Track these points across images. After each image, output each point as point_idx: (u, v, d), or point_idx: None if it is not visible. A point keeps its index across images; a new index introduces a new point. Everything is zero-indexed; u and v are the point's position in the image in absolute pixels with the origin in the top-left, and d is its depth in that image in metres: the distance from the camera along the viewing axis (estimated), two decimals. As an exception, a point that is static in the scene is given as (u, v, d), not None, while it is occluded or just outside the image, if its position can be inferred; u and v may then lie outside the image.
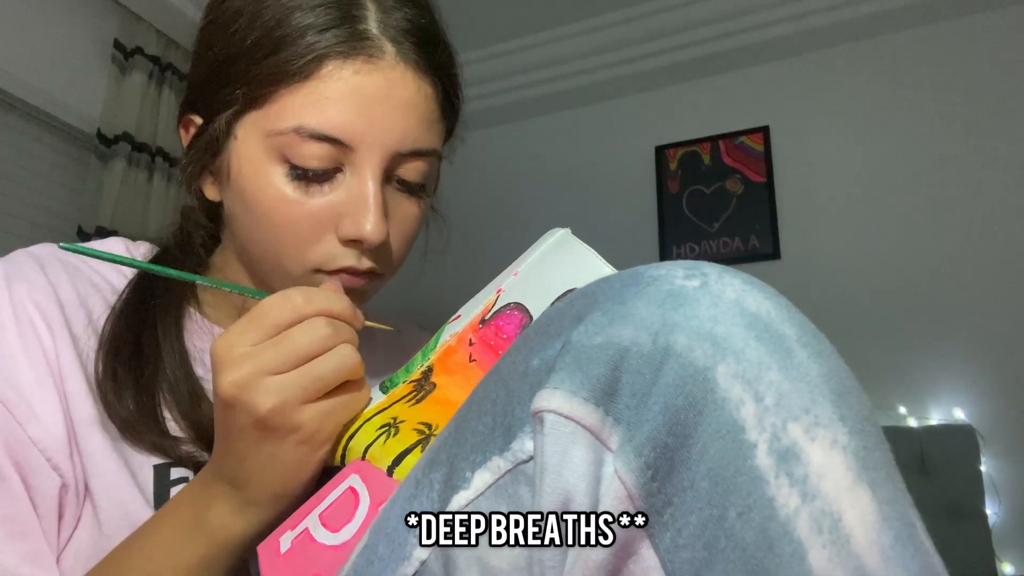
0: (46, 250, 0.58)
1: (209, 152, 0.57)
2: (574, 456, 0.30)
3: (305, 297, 0.46)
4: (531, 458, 0.32)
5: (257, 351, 0.44)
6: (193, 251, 0.64)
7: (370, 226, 0.53)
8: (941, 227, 2.22)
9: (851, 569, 0.25)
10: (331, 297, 0.47)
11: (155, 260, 0.62)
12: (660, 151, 2.66)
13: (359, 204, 0.53)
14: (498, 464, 0.33)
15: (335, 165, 0.53)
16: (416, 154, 0.56)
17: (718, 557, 0.27)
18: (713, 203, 2.54)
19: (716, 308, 0.30)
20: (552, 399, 0.31)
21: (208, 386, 0.58)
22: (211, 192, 0.60)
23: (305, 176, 0.53)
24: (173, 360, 0.57)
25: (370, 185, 0.53)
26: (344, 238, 0.54)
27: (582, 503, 0.30)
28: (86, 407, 0.53)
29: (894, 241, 2.26)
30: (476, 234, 2.82)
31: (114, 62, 2.31)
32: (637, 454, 0.29)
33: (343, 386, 0.47)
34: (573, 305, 0.34)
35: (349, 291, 0.55)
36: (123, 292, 0.58)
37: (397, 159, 0.55)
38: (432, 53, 0.56)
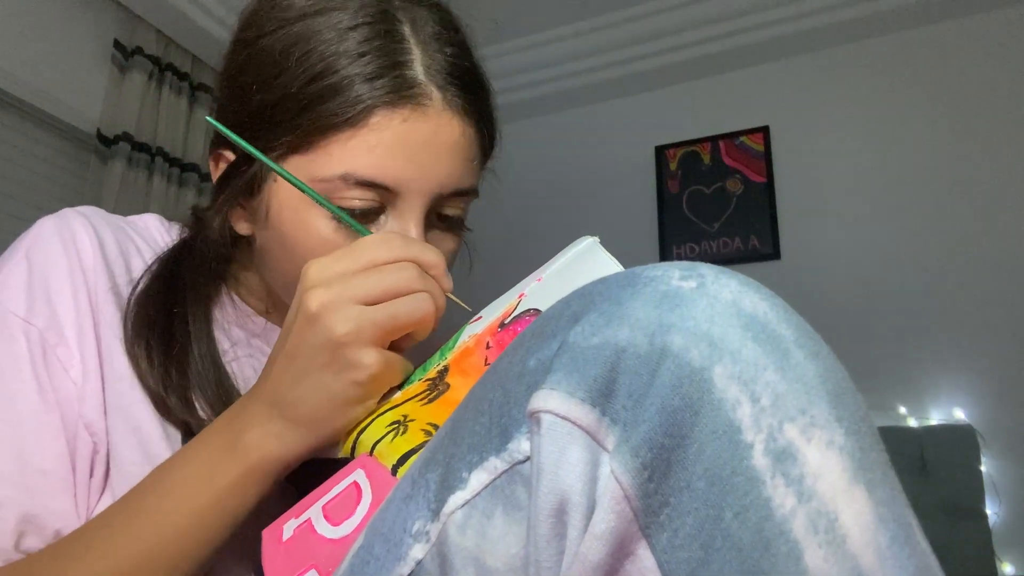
0: (92, 210, 0.59)
1: (246, 190, 0.57)
2: (571, 457, 0.30)
3: (404, 241, 0.48)
4: (528, 459, 0.32)
5: (348, 278, 0.46)
6: (211, 270, 0.64)
7: None
8: (941, 227, 2.22)
9: (847, 569, 0.25)
10: (428, 249, 0.49)
11: (172, 258, 0.62)
12: (660, 151, 2.66)
13: None
14: (495, 465, 0.33)
15: (377, 206, 0.54)
16: (457, 194, 0.57)
17: (714, 557, 0.27)
18: (713, 203, 2.54)
19: (712, 309, 0.30)
20: (549, 400, 0.31)
21: (236, 368, 0.59)
22: (242, 228, 0.60)
23: (350, 216, 0.53)
24: (203, 354, 0.58)
25: (413, 229, 0.54)
26: None
27: (579, 504, 0.30)
28: (123, 363, 0.54)
29: (894, 241, 2.26)
30: (475, 234, 2.82)
31: (114, 62, 2.31)
32: (634, 455, 0.29)
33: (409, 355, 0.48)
34: (570, 306, 0.34)
35: None
36: (152, 264, 0.59)
37: (439, 200, 0.56)
38: (475, 96, 0.57)
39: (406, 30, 0.54)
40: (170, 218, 0.68)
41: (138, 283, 0.58)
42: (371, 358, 0.46)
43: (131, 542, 0.46)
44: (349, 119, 0.52)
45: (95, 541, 0.47)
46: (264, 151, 0.54)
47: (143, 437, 0.53)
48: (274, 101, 0.53)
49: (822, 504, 0.26)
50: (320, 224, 0.54)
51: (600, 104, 2.82)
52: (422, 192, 0.54)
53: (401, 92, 0.52)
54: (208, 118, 0.55)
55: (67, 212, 0.57)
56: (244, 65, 0.56)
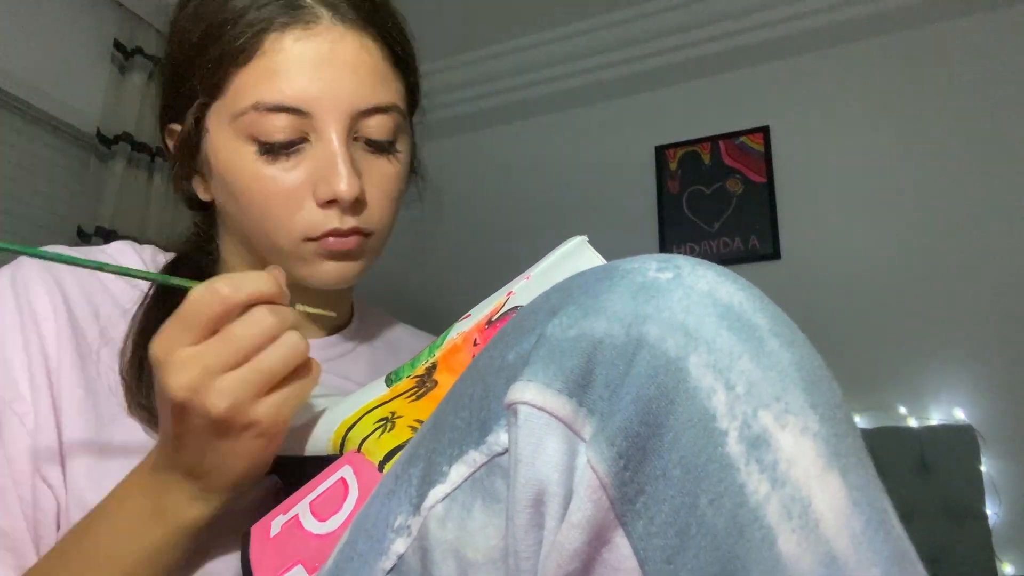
0: (55, 253, 0.59)
1: (190, 152, 0.59)
2: (548, 447, 0.30)
3: (231, 286, 0.43)
4: (506, 451, 0.32)
5: (202, 351, 0.42)
6: (207, 251, 0.66)
7: (342, 184, 0.54)
8: (941, 227, 2.22)
9: (821, 553, 0.25)
10: (256, 279, 0.45)
11: (173, 264, 0.63)
12: (660, 151, 2.66)
13: (328, 165, 0.55)
14: (474, 457, 0.33)
15: (300, 136, 0.55)
16: (375, 110, 0.57)
17: (690, 544, 0.27)
18: (713, 203, 2.54)
19: (688, 299, 0.30)
20: (526, 391, 0.31)
21: None
22: (203, 193, 0.61)
23: (273, 150, 0.55)
24: None
25: (335, 145, 0.55)
26: (321, 200, 0.56)
27: (556, 493, 0.30)
28: (77, 418, 0.53)
29: (894, 241, 2.26)
30: (476, 234, 2.82)
31: (114, 62, 2.32)
32: (610, 444, 0.29)
33: (292, 372, 0.46)
34: (549, 299, 0.34)
35: (341, 253, 0.57)
36: (147, 296, 0.59)
37: (357, 118, 0.56)
38: (369, 10, 0.58)
39: None
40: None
41: (139, 307, 0.58)
42: (260, 409, 0.44)
43: None
44: (244, 50, 0.54)
45: None
46: (187, 102, 0.57)
47: (123, 468, 0.51)
48: (186, 54, 0.56)
49: (796, 490, 0.26)
50: (250, 159, 0.55)
51: (600, 104, 2.82)
52: (333, 109, 0.55)
53: (288, 11, 0.54)
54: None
55: (23, 262, 0.56)
56: (170, 42, 0.60)
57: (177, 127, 0.60)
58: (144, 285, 0.60)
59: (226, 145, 0.56)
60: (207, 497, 0.47)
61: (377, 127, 0.58)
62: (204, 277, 0.61)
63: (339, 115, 0.55)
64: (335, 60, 0.55)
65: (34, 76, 2.11)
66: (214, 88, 0.56)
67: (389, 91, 0.58)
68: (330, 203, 0.56)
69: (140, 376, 0.54)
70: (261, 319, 0.43)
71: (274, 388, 0.45)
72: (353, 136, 0.57)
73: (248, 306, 0.44)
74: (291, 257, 0.58)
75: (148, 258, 0.64)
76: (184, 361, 0.42)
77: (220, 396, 0.42)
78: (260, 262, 0.62)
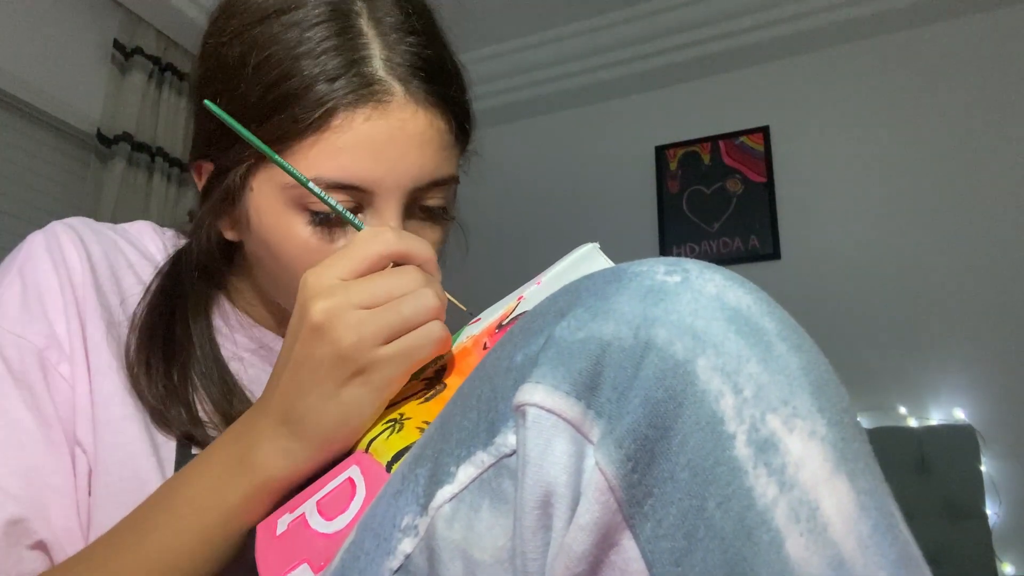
0: (82, 222, 0.59)
1: (227, 202, 0.56)
2: (556, 449, 0.30)
3: (396, 234, 0.47)
4: (514, 452, 0.32)
5: (350, 285, 0.45)
6: (209, 275, 0.64)
7: None
8: (941, 227, 2.22)
9: (828, 557, 0.26)
10: (420, 243, 0.48)
11: (170, 270, 0.62)
12: (660, 151, 2.66)
13: None
14: (482, 458, 0.33)
15: (354, 207, 0.53)
16: (434, 184, 0.55)
17: (697, 547, 0.27)
18: (713, 203, 2.54)
19: (697, 303, 0.30)
20: (534, 393, 0.31)
21: (240, 368, 0.59)
22: (231, 235, 0.59)
23: (327, 221, 0.53)
24: (205, 353, 0.58)
25: (391, 222, 0.53)
26: None
27: (564, 495, 0.30)
28: (112, 381, 0.54)
29: (894, 241, 2.26)
30: (476, 234, 2.82)
31: (114, 62, 2.32)
32: (618, 446, 0.29)
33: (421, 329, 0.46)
34: (557, 302, 0.35)
35: None
36: (152, 281, 0.59)
37: (416, 193, 0.55)
38: (441, 85, 0.55)
39: (363, 24, 0.53)
40: (170, 218, 0.68)
41: (141, 300, 0.57)
42: (381, 354, 0.44)
43: (140, 560, 0.46)
44: (311, 124, 0.51)
45: (105, 560, 0.47)
46: (234, 162, 0.53)
47: (130, 453, 0.53)
48: (237, 112, 0.52)
49: (804, 493, 0.26)
50: (299, 229, 0.53)
51: (600, 104, 2.82)
52: (395, 188, 0.53)
53: (361, 90, 0.51)
54: (208, 102, 0.52)
55: (56, 227, 0.57)
56: (208, 76, 0.55)
57: (209, 165, 0.57)
58: (158, 260, 0.61)
59: (273, 210, 0.53)
60: (294, 453, 0.46)
61: (434, 197, 0.56)
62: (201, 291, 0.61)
63: (399, 192, 0.53)
64: (403, 140, 0.52)
65: (34, 76, 2.11)
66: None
67: (450, 164, 0.57)
68: None
69: (148, 373, 0.54)
70: (410, 272, 0.46)
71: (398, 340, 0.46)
72: (408, 209, 0.55)
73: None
74: None
75: (169, 242, 0.64)
76: (332, 289, 0.45)
77: (351, 329, 0.44)
78: (276, 306, 0.62)
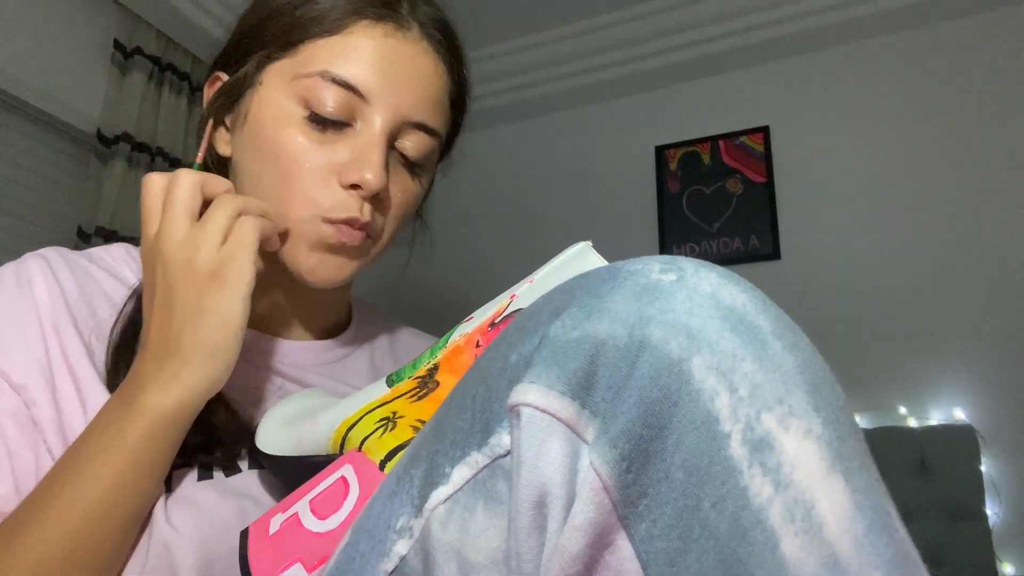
0: (54, 252, 0.60)
1: (231, 97, 0.61)
2: (550, 449, 0.30)
3: (195, 174, 0.54)
4: (508, 452, 0.32)
5: (172, 224, 0.51)
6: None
7: (371, 172, 0.56)
8: (941, 227, 2.22)
9: (823, 556, 0.25)
10: (218, 179, 0.55)
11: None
12: (660, 151, 2.66)
13: (365, 152, 0.57)
14: (476, 459, 0.33)
15: (349, 118, 0.57)
16: (422, 127, 0.60)
17: (692, 547, 0.27)
18: (713, 203, 2.54)
19: (692, 301, 0.30)
20: (529, 393, 0.31)
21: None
22: (223, 146, 0.63)
23: (320, 122, 0.57)
24: None
25: (378, 137, 0.57)
26: (346, 183, 0.57)
27: (558, 495, 0.30)
28: (99, 391, 0.54)
29: (894, 241, 2.26)
30: (476, 234, 2.82)
31: (114, 62, 2.31)
32: (612, 446, 0.29)
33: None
34: (551, 300, 0.34)
35: (345, 247, 0.59)
36: (126, 304, 0.59)
37: (404, 127, 0.59)
38: (451, 45, 0.63)
39: None
40: None
41: (116, 323, 0.58)
42: (224, 253, 0.51)
43: (68, 507, 0.47)
44: (335, 21, 0.57)
45: (34, 516, 0.47)
46: (253, 51, 0.60)
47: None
48: (272, 12, 0.59)
49: (799, 493, 0.26)
50: (295, 121, 0.57)
51: (600, 104, 2.82)
52: (390, 107, 0.58)
53: (385, 10, 0.58)
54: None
55: (27, 257, 0.59)
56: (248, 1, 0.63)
57: (224, 76, 0.63)
58: (133, 283, 0.62)
59: (276, 101, 0.58)
60: (184, 375, 0.49)
61: (415, 145, 0.61)
62: None
63: (393, 113, 0.58)
64: (411, 67, 0.59)
65: (34, 76, 2.11)
66: (288, 45, 0.58)
67: (440, 119, 0.62)
68: (353, 187, 0.57)
69: (120, 360, 0.56)
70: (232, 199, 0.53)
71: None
72: (393, 142, 0.60)
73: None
74: (297, 232, 0.58)
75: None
76: (165, 235, 0.51)
77: (187, 243, 0.51)
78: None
